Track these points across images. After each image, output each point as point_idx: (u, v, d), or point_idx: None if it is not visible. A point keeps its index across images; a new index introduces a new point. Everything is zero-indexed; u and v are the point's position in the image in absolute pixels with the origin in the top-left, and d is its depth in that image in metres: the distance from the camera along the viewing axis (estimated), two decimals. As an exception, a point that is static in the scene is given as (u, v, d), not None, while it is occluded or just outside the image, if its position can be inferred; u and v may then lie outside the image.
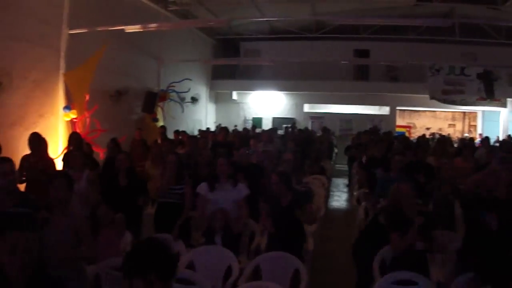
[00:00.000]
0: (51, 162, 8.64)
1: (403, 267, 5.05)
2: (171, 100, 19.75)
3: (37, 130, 9.61)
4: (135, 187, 7.39)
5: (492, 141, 18.31)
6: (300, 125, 25.37)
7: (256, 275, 5.58)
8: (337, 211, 14.02)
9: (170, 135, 15.24)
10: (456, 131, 30.19)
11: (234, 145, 12.48)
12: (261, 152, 10.54)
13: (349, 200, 14.83)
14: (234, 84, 27.89)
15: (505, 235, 4.88)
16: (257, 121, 27.40)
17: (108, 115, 14.30)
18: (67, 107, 12.75)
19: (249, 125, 24.16)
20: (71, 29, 13.08)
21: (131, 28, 13.28)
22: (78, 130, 12.20)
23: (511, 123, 25.81)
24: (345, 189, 17.21)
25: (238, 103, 28.99)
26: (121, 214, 6.27)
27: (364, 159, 12.40)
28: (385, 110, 28.08)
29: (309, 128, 24.86)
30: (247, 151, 10.06)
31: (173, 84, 19.70)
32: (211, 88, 27.55)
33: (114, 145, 10.05)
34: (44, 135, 8.78)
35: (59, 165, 9.81)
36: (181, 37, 21.19)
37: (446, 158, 11.28)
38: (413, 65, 23.24)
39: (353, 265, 6.26)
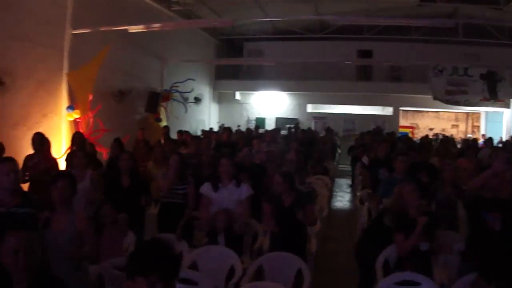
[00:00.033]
0: (54, 162, 8.65)
1: (408, 268, 5.05)
2: (174, 100, 19.78)
3: (40, 130, 9.62)
4: (138, 187, 7.39)
5: (495, 142, 18.30)
6: (303, 125, 25.35)
7: (259, 275, 5.58)
8: (340, 211, 14.02)
9: (174, 135, 15.25)
10: (459, 132, 30.15)
11: (237, 145, 12.48)
12: (264, 152, 10.52)
13: (352, 200, 14.81)
14: (237, 84, 27.88)
15: (509, 235, 4.87)
16: (260, 121, 27.39)
17: (111, 115, 14.31)
18: (70, 107, 12.76)
19: (252, 125, 24.18)
20: (74, 29, 13.11)
21: (134, 28, 13.29)
22: (81, 130, 12.21)
23: (515, 123, 25.81)
24: (348, 190, 17.21)
25: (241, 103, 29.00)
26: (124, 214, 6.27)
27: (365, 159, 12.38)
28: (388, 111, 28.08)
29: (312, 128, 24.82)
30: (251, 151, 10.06)
31: (176, 84, 19.72)
32: (214, 88, 27.61)
33: (117, 145, 10.05)
34: (47, 135, 8.81)
35: (62, 165, 9.83)
36: (184, 37, 21.16)
37: (449, 158, 11.26)
38: (417, 65, 23.18)
39: (356, 265, 6.26)
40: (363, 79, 26.65)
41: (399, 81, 25.75)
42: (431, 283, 4.91)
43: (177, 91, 19.78)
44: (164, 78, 19.66)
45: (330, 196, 13.07)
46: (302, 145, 13.90)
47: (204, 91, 25.26)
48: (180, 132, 15.45)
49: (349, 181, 17.87)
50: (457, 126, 31.02)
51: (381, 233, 5.67)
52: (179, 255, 4.36)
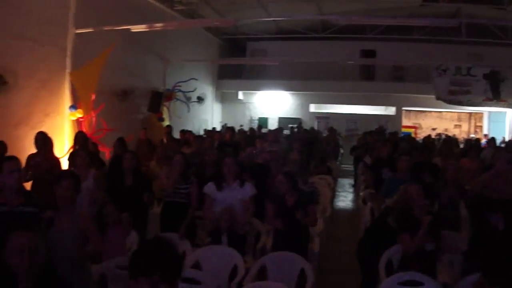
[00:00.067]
0: (57, 161, 8.66)
1: (413, 268, 5.04)
2: (177, 99, 19.76)
3: (43, 129, 9.61)
4: (141, 187, 7.38)
5: (498, 142, 18.27)
6: (306, 125, 25.35)
7: (262, 275, 5.58)
8: (343, 211, 14.02)
9: (176, 135, 15.26)
10: (462, 132, 30.10)
11: (240, 145, 12.48)
12: (267, 152, 10.52)
13: (355, 200, 14.82)
14: (240, 84, 27.91)
15: (512, 235, 4.86)
16: (263, 121, 27.43)
17: (114, 115, 14.32)
18: (73, 107, 12.77)
19: (255, 125, 24.18)
20: (77, 28, 13.12)
21: (137, 28, 13.31)
22: (84, 130, 12.22)
23: (517, 124, 25.79)
24: (351, 189, 17.20)
25: (244, 103, 29.02)
26: (127, 213, 6.26)
27: (367, 159, 12.39)
28: (391, 111, 28.06)
29: (315, 128, 24.81)
30: (254, 151, 10.07)
31: (179, 84, 19.70)
32: (217, 87, 27.61)
33: (120, 145, 10.06)
34: (50, 134, 8.81)
35: (64, 165, 9.83)
36: (187, 36, 21.15)
37: (452, 158, 11.26)
38: (419, 65, 23.19)
39: (358, 265, 6.27)
40: (366, 79, 26.66)
41: (402, 81, 25.74)
42: (434, 283, 4.91)
43: (180, 90, 19.76)
44: (167, 77, 19.63)
45: (333, 196, 13.08)
46: (303, 145, 13.90)
47: (207, 90, 25.25)
48: (183, 132, 15.46)
49: (351, 181, 17.86)
50: (459, 126, 30.96)
51: (383, 233, 5.67)
52: (181, 255, 4.37)
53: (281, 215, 6.13)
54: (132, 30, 13.32)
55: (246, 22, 23.44)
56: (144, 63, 17.70)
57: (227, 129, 16.71)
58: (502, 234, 5.00)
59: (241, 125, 24.29)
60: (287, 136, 18.31)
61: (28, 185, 7.68)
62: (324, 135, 20.91)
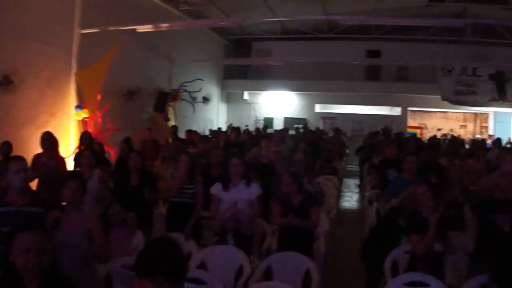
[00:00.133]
0: (62, 161, 8.66)
1: (421, 269, 5.03)
2: (183, 99, 19.80)
3: (48, 129, 9.62)
4: (147, 187, 7.39)
5: (504, 142, 18.24)
6: (312, 125, 25.38)
7: (267, 275, 5.58)
8: (349, 211, 14.00)
9: (182, 135, 15.27)
10: (467, 132, 29.99)
11: (245, 145, 12.49)
12: (273, 152, 10.51)
13: (360, 200, 14.80)
14: (246, 84, 27.94)
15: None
16: (269, 121, 27.42)
17: (119, 115, 14.34)
18: (79, 107, 12.80)
19: (260, 125, 24.18)
20: (83, 28, 13.14)
21: (143, 28, 13.30)
22: (89, 130, 12.23)
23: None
24: (356, 190, 17.19)
25: (249, 103, 29.03)
26: (133, 213, 6.27)
27: (376, 159, 12.37)
28: (396, 111, 28.03)
29: (321, 128, 24.79)
30: (260, 151, 10.07)
31: (185, 84, 19.72)
32: (223, 88, 27.64)
33: (126, 144, 10.07)
34: (55, 134, 8.81)
35: (70, 165, 9.85)
36: (193, 37, 21.13)
37: (457, 159, 11.25)
38: (425, 65, 23.13)
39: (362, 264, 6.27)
40: (371, 79, 26.62)
41: (407, 81, 25.66)
42: (440, 284, 4.89)
43: (185, 90, 19.80)
44: (173, 77, 19.69)
45: (338, 196, 13.06)
46: (308, 145, 13.90)
47: (213, 90, 25.29)
48: (189, 132, 15.48)
49: (357, 181, 17.85)
50: (465, 126, 30.85)
51: (388, 233, 5.66)
52: (186, 256, 4.37)
53: (286, 215, 6.13)
54: (138, 30, 13.32)
55: (251, 22, 23.44)
56: (149, 63, 17.74)
57: (232, 129, 16.72)
58: (508, 235, 4.98)
59: (247, 125, 24.31)
60: (293, 136, 18.30)
61: (33, 185, 7.69)
62: (330, 135, 20.90)
